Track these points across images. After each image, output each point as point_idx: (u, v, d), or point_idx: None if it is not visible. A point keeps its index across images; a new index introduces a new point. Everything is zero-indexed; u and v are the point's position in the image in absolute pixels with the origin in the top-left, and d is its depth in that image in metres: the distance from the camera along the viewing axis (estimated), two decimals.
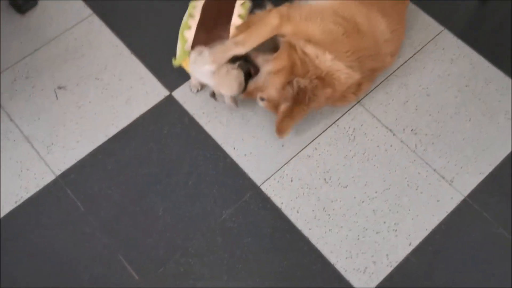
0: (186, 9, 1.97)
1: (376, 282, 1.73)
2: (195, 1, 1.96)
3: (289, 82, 1.82)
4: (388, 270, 1.75)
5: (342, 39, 1.86)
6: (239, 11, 1.93)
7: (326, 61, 1.83)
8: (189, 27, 1.92)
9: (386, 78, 2.08)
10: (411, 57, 2.13)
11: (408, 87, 2.07)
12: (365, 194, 1.86)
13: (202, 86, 2.02)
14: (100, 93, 2.04)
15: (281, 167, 1.91)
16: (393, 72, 2.09)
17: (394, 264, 1.75)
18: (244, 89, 1.83)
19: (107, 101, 2.02)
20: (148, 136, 1.96)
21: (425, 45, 2.15)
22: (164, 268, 1.74)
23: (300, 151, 1.94)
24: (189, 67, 1.92)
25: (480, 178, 1.90)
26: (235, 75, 1.80)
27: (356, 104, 2.02)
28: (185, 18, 1.95)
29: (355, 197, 1.86)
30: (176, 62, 1.95)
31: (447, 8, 2.24)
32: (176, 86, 2.05)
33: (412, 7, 2.23)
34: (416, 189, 1.87)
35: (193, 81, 1.99)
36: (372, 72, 1.97)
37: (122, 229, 1.80)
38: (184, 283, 1.72)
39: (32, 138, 1.94)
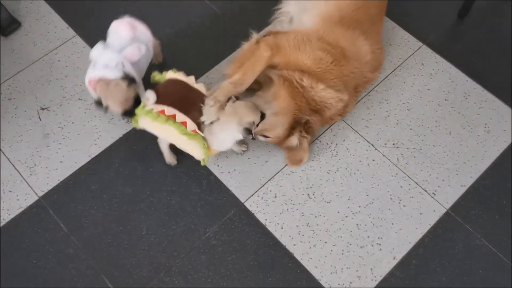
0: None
1: None
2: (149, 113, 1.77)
3: (295, 120, 1.89)
4: (373, 284, 1.75)
5: (331, 67, 1.91)
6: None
7: (319, 91, 1.88)
8: (185, 133, 1.76)
9: (367, 94, 2.11)
10: (391, 73, 2.17)
11: (389, 102, 2.10)
12: (349, 209, 1.87)
13: (178, 159, 1.95)
14: (83, 113, 2.04)
15: (265, 184, 1.92)
16: (374, 88, 2.12)
17: (379, 279, 1.76)
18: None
19: (90, 121, 2.02)
20: (131, 155, 1.96)
21: (404, 60, 2.19)
22: None
23: (283, 167, 1.95)
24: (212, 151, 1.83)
25: (462, 190, 1.92)
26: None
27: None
28: (175, 130, 1.76)
29: (338, 212, 1.87)
30: (206, 160, 1.83)
31: (425, 24, 2.28)
32: None
33: (391, 24, 2.28)
34: (399, 203, 1.89)
35: (168, 158, 1.93)
36: (355, 90, 2.01)
37: (106, 249, 1.79)
38: None
39: (15, 160, 1.93)
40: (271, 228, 1.84)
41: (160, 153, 1.95)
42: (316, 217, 1.86)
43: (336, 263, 1.78)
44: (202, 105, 1.79)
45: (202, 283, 1.74)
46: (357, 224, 1.84)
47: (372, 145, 2.00)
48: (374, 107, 2.08)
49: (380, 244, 1.81)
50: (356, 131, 2.03)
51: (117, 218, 1.84)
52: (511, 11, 2.33)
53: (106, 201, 1.87)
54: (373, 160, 1.97)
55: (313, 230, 1.83)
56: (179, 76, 1.86)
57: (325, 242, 1.81)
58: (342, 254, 1.79)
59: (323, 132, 2.02)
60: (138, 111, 1.78)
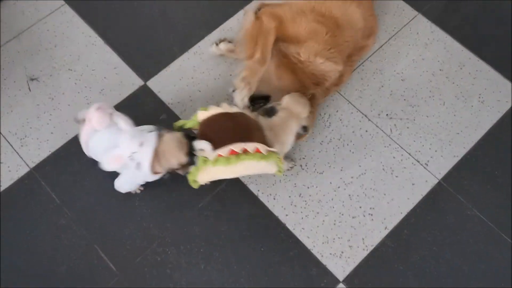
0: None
1: (353, 266, 1.75)
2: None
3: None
4: (364, 254, 1.76)
5: (327, 38, 1.88)
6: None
7: (318, 65, 1.86)
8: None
9: (361, 64, 2.08)
10: (385, 42, 2.14)
11: (383, 73, 2.07)
12: (341, 180, 1.87)
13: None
14: (73, 84, 2.01)
15: None
16: (368, 58, 2.10)
17: (370, 248, 1.77)
18: None
19: (80, 92, 2.00)
20: None
21: (399, 30, 2.16)
22: (141, 258, 1.74)
23: None
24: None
25: (455, 161, 1.92)
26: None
27: None
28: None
29: (331, 183, 1.87)
30: (282, 170, 1.69)
31: None
32: (150, 76, 2.04)
33: None
34: (392, 173, 1.89)
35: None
36: (350, 59, 1.99)
37: (99, 220, 1.79)
38: (161, 272, 1.72)
39: (5, 131, 1.92)
40: (263, 199, 1.84)
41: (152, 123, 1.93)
42: (308, 188, 1.86)
43: (328, 233, 1.79)
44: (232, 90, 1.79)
45: (195, 253, 1.75)
46: (349, 195, 1.85)
47: (365, 115, 1.99)
48: (368, 78, 2.06)
49: (372, 215, 1.82)
50: (350, 102, 2.01)
51: (109, 189, 1.83)
52: None
53: (98, 173, 1.84)
54: (366, 131, 1.96)
55: (305, 201, 1.84)
56: (213, 110, 1.65)
57: (317, 213, 1.82)
58: (334, 224, 1.80)
59: None
60: (195, 167, 1.59)
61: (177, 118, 1.95)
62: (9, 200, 1.81)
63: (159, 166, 1.59)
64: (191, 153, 1.58)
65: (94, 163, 1.85)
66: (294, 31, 1.89)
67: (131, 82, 2.02)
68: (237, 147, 1.54)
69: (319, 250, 1.76)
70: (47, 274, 1.71)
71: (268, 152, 1.58)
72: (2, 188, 1.82)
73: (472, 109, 2.00)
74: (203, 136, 1.59)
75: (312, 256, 1.76)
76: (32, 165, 1.87)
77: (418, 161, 1.91)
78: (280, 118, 1.71)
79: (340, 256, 1.76)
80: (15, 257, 1.73)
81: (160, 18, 2.15)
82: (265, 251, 1.76)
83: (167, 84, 2.02)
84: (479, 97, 2.03)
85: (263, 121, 1.69)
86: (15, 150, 1.89)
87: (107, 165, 1.61)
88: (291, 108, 1.72)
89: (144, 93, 2.01)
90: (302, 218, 1.81)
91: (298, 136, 1.78)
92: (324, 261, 1.75)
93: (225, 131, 1.61)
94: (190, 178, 1.62)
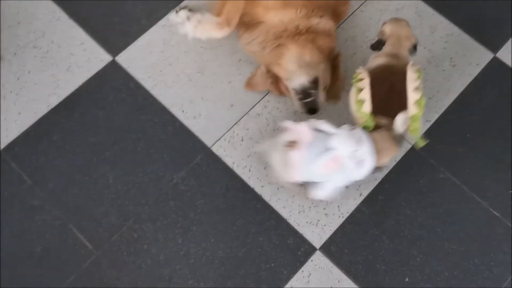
0: None
1: (329, 233, 1.77)
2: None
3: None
4: (340, 221, 1.78)
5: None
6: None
7: (324, 23, 1.87)
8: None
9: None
10: (357, 8, 2.12)
11: (355, 40, 2.06)
12: None
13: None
14: (39, 62, 1.96)
15: (231, 127, 1.90)
16: (340, 25, 2.08)
17: (346, 215, 1.79)
18: None
19: (47, 70, 1.95)
20: (93, 104, 1.91)
21: None
22: (118, 236, 1.73)
23: (249, 110, 1.93)
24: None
25: (427, 126, 1.93)
26: None
27: None
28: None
29: None
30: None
31: None
32: (119, 51, 1.99)
33: None
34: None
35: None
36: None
37: (72, 200, 1.77)
38: (138, 248, 1.72)
39: None
40: (238, 171, 1.84)
41: (123, 100, 1.90)
42: None
43: (303, 202, 1.80)
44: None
45: (172, 228, 1.75)
46: None
47: None
48: (340, 45, 2.04)
49: None
50: None
51: (81, 168, 1.81)
52: None
53: (69, 151, 1.83)
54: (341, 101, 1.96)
55: None
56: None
57: None
58: None
59: None
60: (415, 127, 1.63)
61: (147, 93, 1.92)
62: None
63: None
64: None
65: (64, 142, 1.83)
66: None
67: (99, 58, 1.98)
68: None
69: (295, 219, 1.77)
70: (22, 256, 1.70)
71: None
72: None
73: (444, 73, 2.01)
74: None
75: (289, 225, 1.77)
76: (1, 146, 1.83)
77: None
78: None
79: (316, 224, 1.77)
80: None
81: None
82: (242, 223, 1.77)
83: (136, 59, 1.98)
84: (451, 61, 2.03)
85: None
86: None
87: (323, 170, 1.54)
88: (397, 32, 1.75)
89: (113, 69, 1.96)
90: (277, 188, 1.81)
91: None
92: (300, 230, 1.76)
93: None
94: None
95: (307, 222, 1.77)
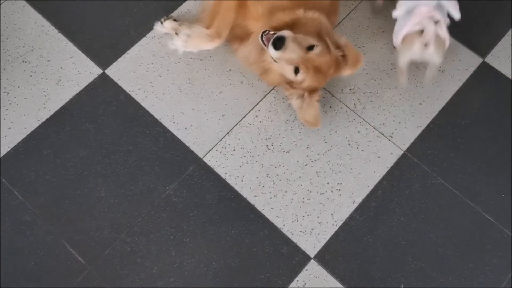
0: None
1: (323, 242, 1.76)
2: None
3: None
4: (334, 229, 1.78)
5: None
6: None
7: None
8: None
9: None
10: (346, 17, 2.13)
11: None
12: (308, 157, 1.88)
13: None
14: (29, 77, 1.95)
15: (223, 137, 1.90)
16: None
17: (339, 223, 1.79)
18: None
19: (37, 84, 1.94)
20: (83, 117, 1.90)
21: (359, 3, 2.15)
22: (111, 249, 1.72)
23: (240, 120, 1.93)
24: None
25: (418, 131, 1.93)
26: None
27: None
28: None
29: (297, 161, 1.87)
30: None
31: None
32: (109, 63, 1.99)
33: None
34: (357, 148, 1.90)
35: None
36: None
37: (64, 214, 1.76)
38: (131, 262, 1.71)
39: None
40: (231, 181, 1.83)
41: (113, 113, 1.90)
42: (275, 167, 1.86)
43: (297, 211, 1.80)
44: None
45: (165, 240, 1.74)
46: (316, 172, 1.85)
47: (329, 91, 1.98)
48: None
49: (339, 190, 1.83)
50: None
51: (73, 182, 1.80)
52: None
53: (60, 166, 1.82)
54: (330, 107, 1.96)
55: (273, 181, 1.84)
56: None
57: (286, 192, 1.82)
58: (303, 202, 1.81)
59: None
60: None
61: (138, 105, 1.91)
62: None
63: None
64: None
65: (55, 157, 1.82)
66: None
67: (89, 71, 1.97)
68: None
69: (289, 229, 1.77)
70: (14, 272, 1.68)
71: None
72: None
73: (434, 79, 2.02)
74: None
75: (282, 235, 1.76)
76: None
77: (383, 134, 1.92)
78: None
79: (310, 233, 1.77)
80: None
81: (114, 1, 2.09)
82: (236, 234, 1.76)
83: (126, 71, 1.98)
84: (440, 66, 2.04)
85: None
86: None
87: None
88: None
89: (103, 81, 1.96)
90: (270, 198, 1.81)
91: None
92: (294, 239, 1.76)
93: None
94: None
95: (301, 231, 1.77)
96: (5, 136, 1.85)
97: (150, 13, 2.08)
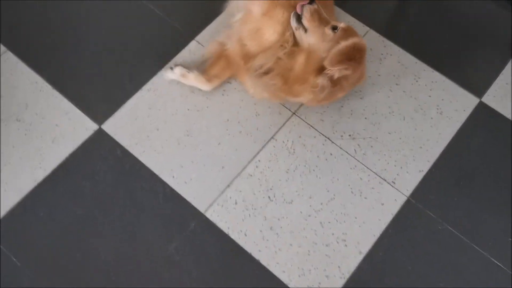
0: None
1: None
2: None
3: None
4: (342, 282, 1.74)
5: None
6: None
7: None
8: None
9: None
10: None
11: None
12: (311, 207, 1.85)
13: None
14: (23, 135, 1.91)
15: (224, 190, 1.87)
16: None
17: (347, 275, 1.75)
18: None
19: (31, 143, 1.90)
20: (80, 175, 1.86)
21: None
22: None
23: (241, 171, 1.90)
24: None
25: (420, 176, 1.92)
26: None
27: (291, 116, 2.00)
28: None
29: (301, 212, 1.84)
30: None
31: (369, 9, 2.25)
32: (105, 118, 1.96)
33: (336, 9, 2.22)
34: (360, 195, 1.87)
35: None
36: None
37: (64, 276, 1.70)
38: None
39: None
40: (234, 236, 1.79)
41: (110, 169, 1.86)
42: (279, 219, 1.82)
43: (303, 265, 1.76)
44: None
45: None
46: (320, 222, 1.82)
47: (328, 138, 1.97)
48: None
49: (345, 240, 1.80)
50: (311, 126, 1.99)
51: (71, 243, 1.75)
52: None
53: (57, 227, 1.77)
54: (331, 154, 1.94)
55: (277, 234, 1.80)
56: None
57: (290, 245, 1.78)
58: (309, 255, 1.77)
59: (278, 130, 1.97)
60: None
61: (135, 160, 1.88)
62: None
63: None
64: None
65: (51, 218, 1.77)
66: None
67: (85, 127, 1.94)
68: None
69: (296, 284, 1.73)
70: None
71: None
72: None
73: (432, 121, 2.02)
74: None
75: None
76: None
77: (385, 180, 1.90)
78: None
79: (318, 287, 1.73)
80: None
81: (107, 55, 2.08)
82: None
83: (122, 125, 1.95)
84: (437, 108, 2.04)
85: None
86: None
87: None
88: None
89: (99, 137, 1.93)
90: (275, 252, 1.77)
91: None
92: None
93: None
94: None
95: (308, 286, 1.72)
96: (0, 199, 1.80)
97: (145, 65, 2.06)
